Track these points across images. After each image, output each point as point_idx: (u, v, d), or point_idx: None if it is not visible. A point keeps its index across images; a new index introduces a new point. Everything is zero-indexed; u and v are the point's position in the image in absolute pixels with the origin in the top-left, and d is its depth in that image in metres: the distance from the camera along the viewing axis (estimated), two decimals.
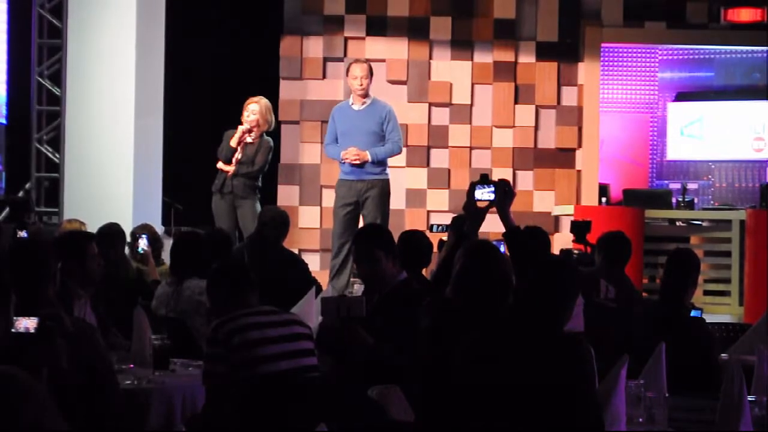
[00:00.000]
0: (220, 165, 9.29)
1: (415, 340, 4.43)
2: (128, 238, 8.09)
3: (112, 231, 7.35)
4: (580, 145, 11.89)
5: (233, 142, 9.23)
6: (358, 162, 8.88)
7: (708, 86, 12.92)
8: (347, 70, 9.31)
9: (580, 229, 8.60)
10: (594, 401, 3.70)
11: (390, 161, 8.97)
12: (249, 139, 9.26)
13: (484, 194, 4.92)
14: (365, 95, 9.03)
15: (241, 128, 9.27)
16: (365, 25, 11.89)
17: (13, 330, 3.53)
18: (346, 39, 11.89)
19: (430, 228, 10.34)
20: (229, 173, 9.21)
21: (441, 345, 4.11)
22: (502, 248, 7.21)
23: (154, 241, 8.23)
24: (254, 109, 9.27)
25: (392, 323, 4.90)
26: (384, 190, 8.96)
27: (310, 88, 11.72)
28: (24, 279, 4.20)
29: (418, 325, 4.47)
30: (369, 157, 8.87)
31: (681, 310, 5.63)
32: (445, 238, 8.69)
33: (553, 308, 3.81)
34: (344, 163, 8.92)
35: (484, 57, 11.90)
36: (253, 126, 9.24)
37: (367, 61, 9.52)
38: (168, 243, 8.57)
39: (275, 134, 10.13)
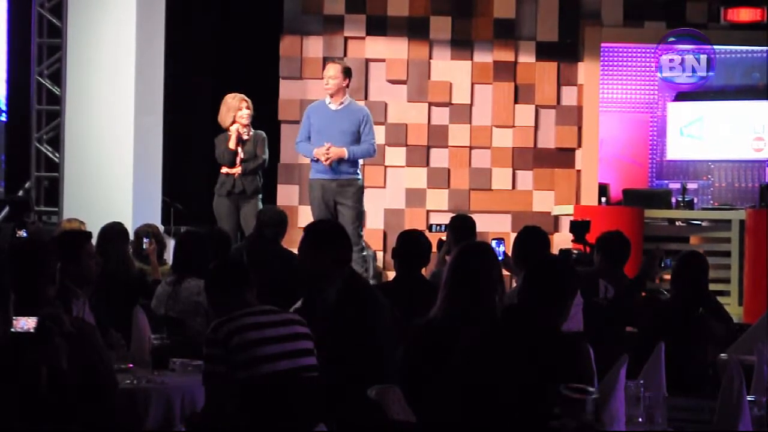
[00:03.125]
0: (225, 170, 9.34)
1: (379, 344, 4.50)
2: (132, 238, 8.08)
3: (115, 230, 7.34)
4: (579, 145, 11.89)
5: (232, 144, 9.29)
6: (330, 160, 8.81)
7: (708, 86, 12.90)
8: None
9: (579, 228, 8.60)
10: None
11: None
12: (245, 137, 9.35)
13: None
14: (334, 94, 9.04)
15: (234, 128, 9.33)
16: (365, 25, 11.89)
17: (12, 330, 3.53)
18: (346, 39, 11.89)
19: (430, 228, 10.34)
20: (236, 174, 9.28)
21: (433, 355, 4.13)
22: (501, 247, 7.25)
23: (158, 241, 8.22)
24: (249, 104, 9.42)
25: (337, 323, 4.84)
26: (358, 189, 9.00)
27: (309, 88, 11.70)
28: (24, 279, 4.19)
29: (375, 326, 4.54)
30: (346, 153, 8.86)
31: (691, 310, 5.65)
32: (444, 237, 8.69)
33: (551, 307, 3.81)
34: (317, 161, 8.92)
35: (484, 57, 11.90)
36: (248, 122, 9.36)
37: (343, 60, 9.53)
38: (170, 243, 8.58)
39: (275, 133, 10.12)
